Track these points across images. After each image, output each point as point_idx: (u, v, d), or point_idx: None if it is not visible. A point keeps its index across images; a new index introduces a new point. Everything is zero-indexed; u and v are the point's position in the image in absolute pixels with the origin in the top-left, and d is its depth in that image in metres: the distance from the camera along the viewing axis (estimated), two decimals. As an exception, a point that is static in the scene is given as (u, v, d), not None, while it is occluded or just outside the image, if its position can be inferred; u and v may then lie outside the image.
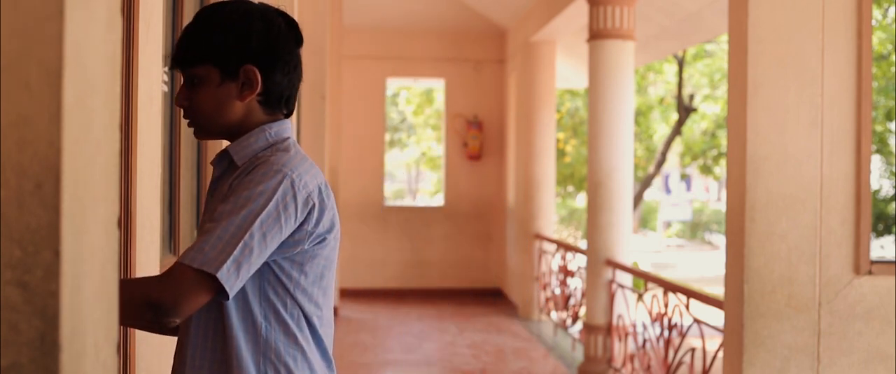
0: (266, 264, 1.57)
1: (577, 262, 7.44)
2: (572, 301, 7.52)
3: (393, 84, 13.56)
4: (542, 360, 6.91)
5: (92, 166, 0.87)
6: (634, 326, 5.95)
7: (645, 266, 16.02)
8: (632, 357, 5.73)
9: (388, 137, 21.35)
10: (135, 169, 2.04)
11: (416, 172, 26.96)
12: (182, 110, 1.66)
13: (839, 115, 3.12)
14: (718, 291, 4.63)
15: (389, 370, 6.58)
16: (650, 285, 5.67)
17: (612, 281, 6.07)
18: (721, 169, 16.56)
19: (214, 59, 1.61)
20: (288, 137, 1.69)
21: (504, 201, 10.04)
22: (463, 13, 9.84)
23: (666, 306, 5.06)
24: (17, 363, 0.79)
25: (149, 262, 2.22)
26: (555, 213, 10.81)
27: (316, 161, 6.53)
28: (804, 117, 3.11)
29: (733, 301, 3.19)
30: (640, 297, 5.62)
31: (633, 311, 6.00)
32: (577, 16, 7.34)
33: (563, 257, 7.77)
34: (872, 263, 3.13)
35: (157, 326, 1.50)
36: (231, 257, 1.47)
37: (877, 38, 11.54)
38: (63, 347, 0.80)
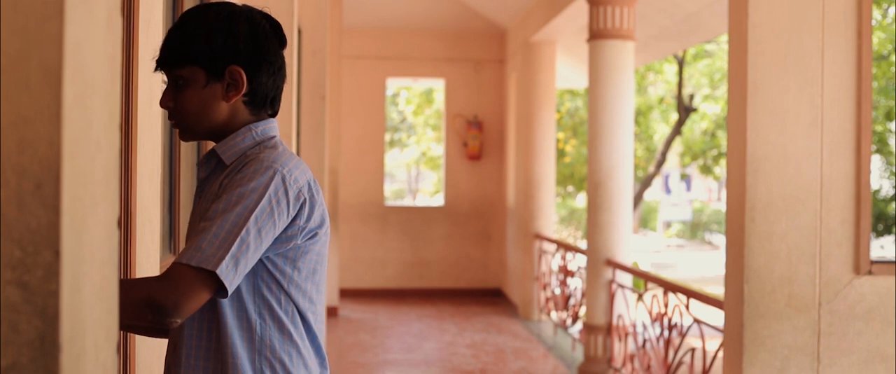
0: (259, 261, 1.59)
1: (577, 262, 7.44)
2: (572, 301, 7.52)
3: (393, 84, 13.56)
4: (542, 360, 6.91)
5: (92, 166, 0.87)
6: (634, 326, 5.95)
7: (645, 266, 16.02)
8: (632, 357, 5.73)
9: (388, 137, 21.37)
10: (135, 169, 2.04)
11: (416, 172, 26.96)
12: (167, 112, 1.66)
13: (839, 115, 3.12)
14: (718, 291, 4.63)
15: (389, 370, 6.58)
16: (650, 285, 5.67)
17: (612, 281, 6.08)
18: (721, 169, 16.56)
19: (200, 60, 1.61)
20: (274, 136, 1.70)
21: (504, 201, 10.04)
22: (463, 13, 9.84)
23: (666, 306, 5.06)
24: (17, 363, 0.79)
25: (149, 262, 2.22)
26: (555, 213, 10.81)
27: (316, 161, 6.53)
28: (804, 117, 3.11)
29: (733, 301, 3.19)
30: (640, 297, 5.62)
31: (633, 311, 6.00)
32: (577, 16, 7.34)
33: (563, 257, 7.77)
34: (872, 263, 3.13)
35: (158, 327, 1.51)
36: (229, 254, 1.48)
37: (877, 38, 11.54)
38: (63, 347, 0.80)
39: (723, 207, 20.85)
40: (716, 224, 22.87)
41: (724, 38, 12.58)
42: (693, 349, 4.76)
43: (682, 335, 4.90)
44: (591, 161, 6.23)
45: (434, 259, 10.23)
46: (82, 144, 0.84)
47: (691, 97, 15.46)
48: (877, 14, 11.83)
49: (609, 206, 6.13)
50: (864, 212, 3.12)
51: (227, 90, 1.64)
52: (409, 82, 13.87)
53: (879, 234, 12.67)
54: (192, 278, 1.46)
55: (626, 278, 6.15)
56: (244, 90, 1.64)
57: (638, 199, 15.34)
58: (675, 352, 4.90)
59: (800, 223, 3.10)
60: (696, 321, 4.61)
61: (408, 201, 23.17)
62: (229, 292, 1.51)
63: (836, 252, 3.12)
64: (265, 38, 1.66)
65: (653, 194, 24.44)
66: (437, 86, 14.47)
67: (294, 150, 4.26)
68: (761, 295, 3.09)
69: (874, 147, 11.94)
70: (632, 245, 6.54)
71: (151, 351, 2.23)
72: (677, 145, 17.30)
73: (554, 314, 8.17)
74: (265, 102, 1.69)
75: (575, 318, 7.44)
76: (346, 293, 9.68)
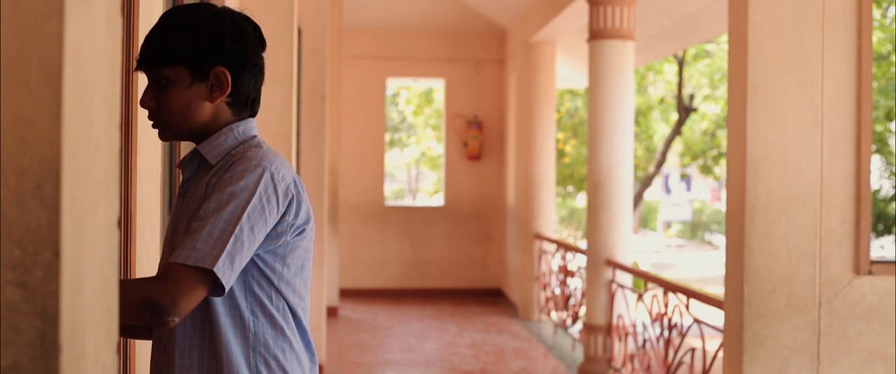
0: (250, 259, 1.60)
1: (577, 262, 7.44)
2: (572, 301, 7.52)
3: (393, 84, 13.56)
4: (542, 360, 6.91)
5: (92, 166, 0.87)
6: (634, 326, 5.95)
7: (645, 266, 16.02)
8: (632, 357, 5.73)
9: (388, 137, 21.36)
10: (135, 169, 2.04)
11: (416, 172, 26.96)
12: (147, 111, 1.67)
13: (839, 115, 3.12)
14: (718, 291, 4.63)
15: (389, 370, 6.58)
16: (650, 285, 5.67)
17: (612, 281, 6.07)
18: (721, 169, 16.56)
19: (185, 60, 1.62)
20: (256, 135, 1.72)
21: (504, 201, 10.03)
22: (463, 13, 9.84)
23: (666, 306, 5.06)
24: (17, 363, 0.79)
25: (149, 262, 2.22)
26: (555, 213, 10.81)
27: (316, 161, 6.54)
28: (804, 117, 3.11)
29: (733, 301, 3.19)
30: (640, 297, 5.62)
31: (633, 311, 6.00)
32: (577, 16, 7.34)
33: (563, 257, 7.77)
34: (872, 263, 3.13)
35: (156, 326, 1.51)
36: (224, 252, 1.50)
37: (877, 38, 11.54)
38: (63, 347, 0.80)
39: (723, 207, 20.85)
40: (716, 224, 22.87)
41: (724, 38, 12.58)
42: (693, 349, 4.76)
43: (682, 335, 4.90)
44: (591, 161, 6.22)
45: (434, 259, 10.23)
46: (82, 144, 0.84)
47: (691, 97, 15.46)
48: (877, 14, 11.83)
49: (609, 206, 6.13)
50: (864, 212, 3.12)
51: (211, 91, 1.65)
52: (409, 82, 13.86)
53: (879, 234, 12.68)
54: (188, 277, 1.48)
55: (626, 278, 6.15)
56: (228, 91, 1.66)
57: (638, 199, 15.34)
58: (675, 352, 4.90)
59: (800, 223, 3.10)
60: (696, 321, 4.61)
61: (408, 201, 23.17)
62: (226, 290, 1.52)
63: (836, 252, 3.12)
64: (248, 39, 1.68)
65: (653, 194, 24.44)
66: (437, 86, 14.47)
67: (294, 150, 4.25)
68: (761, 295, 3.09)
69: (874, 147, 11.94)
70: (632, 245, 6.54)
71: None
72: (677, 145, 17.29)
73: (554, 314, 8.17)
74: (247, 102, 1.71)
75: (575, 318, 7.44)
76: (346, 293, 9.67)
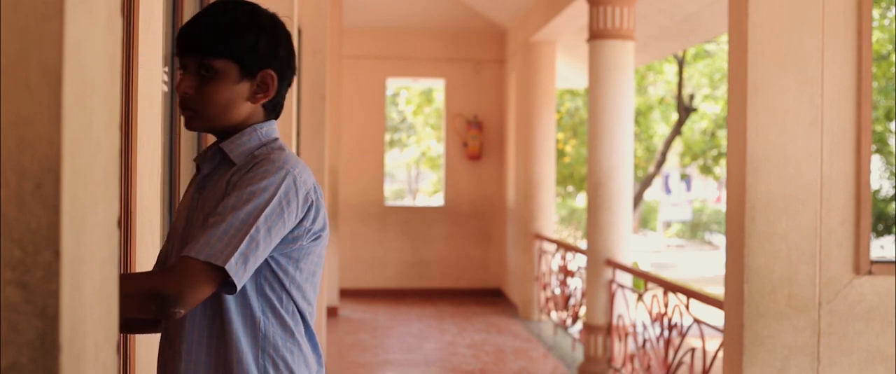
0: (264, 260, 1.59)
1: (577, 262, 7.44)
2: (572, 301, 7.52)
3: (393, 84, 13.56)
4: (542, 360, 6.91)
5: (92, 166, 0.87)
6: (634, 326, 5.95)
7: (645, 266, 16.02)
8: (632, 357, 5.73)
9: (388, 137, 21.36)
10: (135, 169, 2.04)
11: (416, 172, 26.95)
12: (180, 97, 1.64)
13: (839, 115, 3.12)
14: (718, 291, 4.63)
15: (389, 370, 6.58)
16: (650, 285, 5.67)
17: (612, 281, 6.07)
18: (721, 169, 16.56)
19: (241, 57, 1.62)
20: (278, 138, 1.73)
21: (504, 201, 10.03)
22: (463, 13, 9.84)
23: (666, 306, 5.06)
24: (17, 363, 0.79)
25: (149, 262, 2.22)
26: (555, 213, 10.81)
27: (316, 161, 6.54)
28: (804, 117, 3.11)
29: (733, 301, 3.19)
30: (640, 297, 5.62)
31: (633, 311, 6.00)
32: (577, 16, 7.34)
33: (563, 257, 7.77)
34: (872, 263, 3.13)
35: (162, 317, 1.50)
36: (238, 250, 1.50)
37: (877, 38, 11.54)
38: (63, 347, 0.80)
39: (723, 207, 20.85)
40: (716, 224, 22.86)
41: (724, 38, 12.57)
42: (693, 349, 4.76)
43: (682, 335, 4.90)
44: (591, 161, 6.22)
45: (434, 259, 10.23)
46: (82, 144, 0.84)
47: (691, 97, 15.46)
48: (877, 14, 11.82)
49: (609, 206, 6.13)
50: (864, 212, 3.12)
51: (255, 91, 1.66)
52: (409, 82, 13.87)
53: (879, 234, 12.68)
54: (198, 271, 1.48)
55: (626, 278, 6.15)
56: (272, 96, 1.67)
57: (638, 199, 15.34)
58: (675, 352, 4.90)
59: (800, 223, 3.10)
60: (696, 321, 4.61)
61: (408, 201, 23.16)
62: (238, 289, 1.52)
63: (836, 252, 3.12)
64: (293, 48, 1.71)
65: (653, 193, 24.44)
66: (437, 86, 14.46)
67: (294, 150, 4.25)
68: (761, 295, 3.09)
69: (874, 147, 11.94)
70: (632, 245, 6.54)
71: (152, 351, 2.23)
72: (677, 145, 17.29)
73: (554, 314, 8.17)
74: (277, 107, 1.73)
75: (575, 318, 7.44)
76: (346, 293, 9.67)
